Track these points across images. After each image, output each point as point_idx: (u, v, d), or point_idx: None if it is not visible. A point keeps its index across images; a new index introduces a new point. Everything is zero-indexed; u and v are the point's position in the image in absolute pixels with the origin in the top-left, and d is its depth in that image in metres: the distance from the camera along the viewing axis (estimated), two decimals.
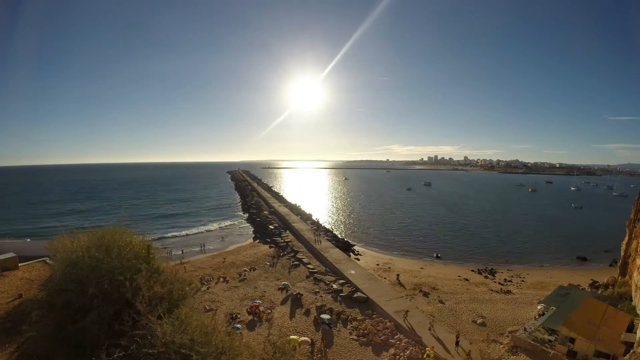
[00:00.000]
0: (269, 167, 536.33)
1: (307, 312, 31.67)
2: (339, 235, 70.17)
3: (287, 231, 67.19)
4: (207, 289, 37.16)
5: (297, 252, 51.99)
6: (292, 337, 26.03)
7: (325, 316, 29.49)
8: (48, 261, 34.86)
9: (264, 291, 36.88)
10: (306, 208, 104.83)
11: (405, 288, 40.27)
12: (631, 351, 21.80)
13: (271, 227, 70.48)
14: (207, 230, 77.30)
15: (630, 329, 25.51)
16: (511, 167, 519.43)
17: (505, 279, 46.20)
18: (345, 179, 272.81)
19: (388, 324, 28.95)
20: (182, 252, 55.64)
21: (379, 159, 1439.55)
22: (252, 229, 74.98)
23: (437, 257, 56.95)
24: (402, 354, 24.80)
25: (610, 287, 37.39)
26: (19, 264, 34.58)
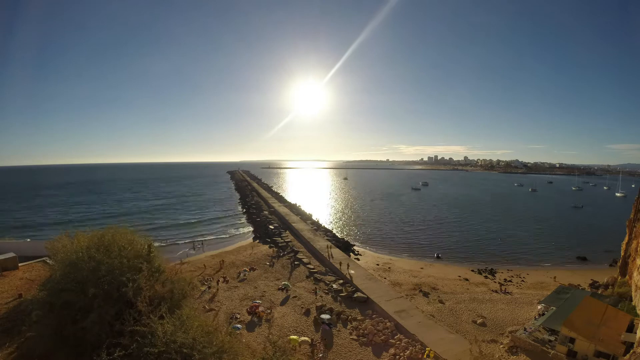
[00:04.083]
0: (269, 167, 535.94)
1: (307, 312, 31.70)
2: (339, 235, 70.17)
3: (287, 231, 67.17)
4: (207, 289, 37.15)
5: (297, 252, 51.99)
6: (292, 337, 26.08)
7: (325, 316, 29.52)
8: (48, 261, 34.89)
9: (264, 291, 36.89)
10: (306, 208, 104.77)
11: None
12: (631, 351, 21.81)
13: (271, 227, 70.45)
14: (206, 230, 77.22)
15: (630, 329, 25.51)
16: (511, 167, 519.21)
17: (505, 279, 46.17)
18: (345, 178, 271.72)
19: (388, 324, 28.96)
20: (181, 252, 55.63)
21: (379, 159, 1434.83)
22: (252, 229, 74.95)
23: (437, 257, 56.93)
24: (402, 354, 24.81)
25: (610, 287, 37.39)
26: (19, 264, 34.62)
